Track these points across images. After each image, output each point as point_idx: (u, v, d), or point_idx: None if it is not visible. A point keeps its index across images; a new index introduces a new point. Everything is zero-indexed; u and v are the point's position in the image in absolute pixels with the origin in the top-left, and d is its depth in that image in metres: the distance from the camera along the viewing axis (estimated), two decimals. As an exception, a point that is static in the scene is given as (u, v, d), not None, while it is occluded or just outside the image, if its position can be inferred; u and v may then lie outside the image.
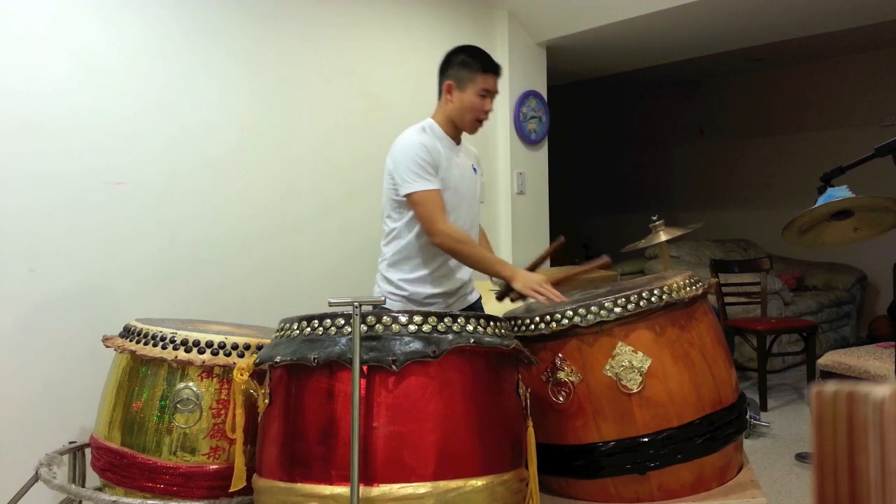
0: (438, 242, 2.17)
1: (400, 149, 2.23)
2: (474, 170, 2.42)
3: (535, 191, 4.46)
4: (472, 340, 1.61)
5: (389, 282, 2.34)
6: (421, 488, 1.52)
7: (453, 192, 2.28)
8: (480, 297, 2.53)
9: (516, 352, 1.73)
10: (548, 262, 4.46)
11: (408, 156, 2.19)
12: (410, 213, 2.25)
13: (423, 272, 2.31)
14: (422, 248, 2.29)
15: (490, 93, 2.32)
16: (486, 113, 2.33)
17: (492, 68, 2.32)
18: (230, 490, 1.84)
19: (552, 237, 4.55)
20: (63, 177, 2.62)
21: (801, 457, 3.45)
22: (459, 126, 2.35)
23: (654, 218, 3.50)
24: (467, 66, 2.30)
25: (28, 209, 2.54)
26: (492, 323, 1.71)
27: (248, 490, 1.81)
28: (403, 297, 2.31)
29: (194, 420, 1.94)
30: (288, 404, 1.65)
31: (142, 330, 2.02)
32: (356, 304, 1.55)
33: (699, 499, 1.89)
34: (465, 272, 2.41)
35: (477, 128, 2.37)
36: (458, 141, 2.38)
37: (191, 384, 1.95)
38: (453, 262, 2.32)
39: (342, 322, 1.62)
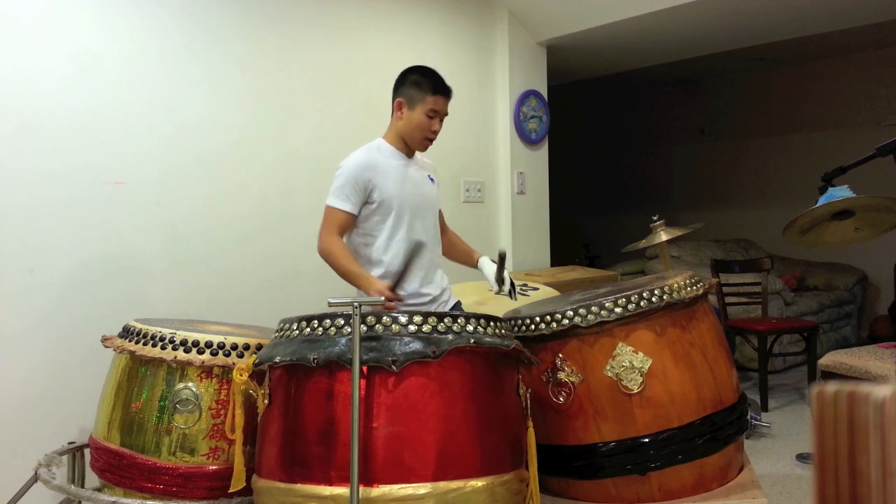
0: (318, 249, 2.30)
1: (343, 164, 2.34)
2: (431, 179, 2.49)
3: (536, 190, 4.45)
4: (472, 341, 1.61)
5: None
6: (421, 489, 1.52)
7: (410, 203, 2.35)
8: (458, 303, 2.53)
9: (516, 352, 1.73)
10: (548, 262, 4.50)
11: (342, 172, 2.31)
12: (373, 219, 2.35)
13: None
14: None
15: (438, 114, 2.37)
16: (434, 133, 2.39)
17: (442, 90, 2.36)
18: (229, 491, 1.84)
19: (552, 237, 4.56)
20: (62, 176, 2.61)
21: (802, 457, 3.44)
22: (409, 144, 2.41)
23: (655, 218, 3.50)
24: (418, 85, 2.35)
25: (27, 208, 2.54)
26: (492, 323, 1.71)
27: (247, 491, 1.81)
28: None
29: (193, 420, 1.94)
30: (287, 405, 1.65)
31: (141, 330, 2.02)
32: (356, 304, 1.55)
33: (700, 499, 1.89)
34: (427, 283, 2.40)
35: (426, 146, 2.42)
36: (410, 155, 2.44)
37: (190, 384, 1.95)
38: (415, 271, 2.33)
39: (342, 322, 1.62)
